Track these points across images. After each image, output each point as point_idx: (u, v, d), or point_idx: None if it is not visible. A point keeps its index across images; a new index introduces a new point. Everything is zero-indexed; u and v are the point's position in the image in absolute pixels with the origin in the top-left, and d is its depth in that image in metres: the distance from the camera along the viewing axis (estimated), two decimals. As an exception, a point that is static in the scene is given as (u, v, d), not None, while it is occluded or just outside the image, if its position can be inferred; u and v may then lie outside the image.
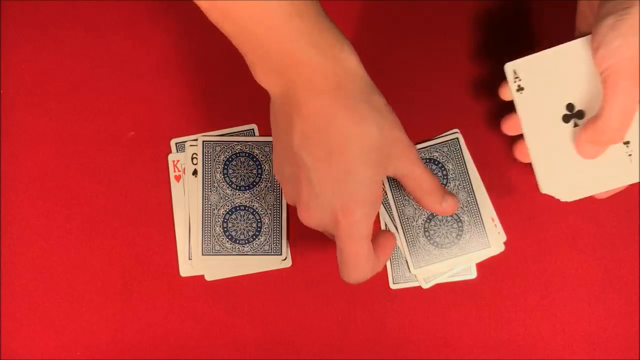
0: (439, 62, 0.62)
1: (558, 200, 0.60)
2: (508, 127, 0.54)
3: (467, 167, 0.60)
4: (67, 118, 0.62)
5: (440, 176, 0.60)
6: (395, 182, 0.60)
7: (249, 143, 0.60)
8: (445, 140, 0.60)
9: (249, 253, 0.60)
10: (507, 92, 0.53)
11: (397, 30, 0.62)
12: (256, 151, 0.60)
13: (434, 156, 0.60)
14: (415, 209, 0.60)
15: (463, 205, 0.60)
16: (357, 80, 0.45)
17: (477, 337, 0.60)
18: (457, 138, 0.60)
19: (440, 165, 0.60)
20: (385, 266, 0.60)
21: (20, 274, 0.61)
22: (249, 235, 0.60)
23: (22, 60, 0.62)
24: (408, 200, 0.60)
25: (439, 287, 0.60)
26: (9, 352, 0.60)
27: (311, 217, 0.47)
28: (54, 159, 0.62)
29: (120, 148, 0.62)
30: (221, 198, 0.60)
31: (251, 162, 0.60)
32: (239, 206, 0.60)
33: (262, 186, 0.60)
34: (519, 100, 0.52)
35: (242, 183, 0.60)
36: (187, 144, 0.61)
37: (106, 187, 0.61)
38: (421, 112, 0.61)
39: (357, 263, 0.48)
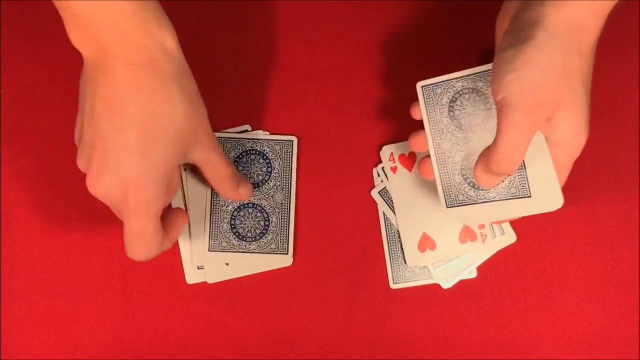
0: (444, 63, 0.62)
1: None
2: (415, 144, 0.55)
3: None
4: (67, 118, 0.62)
5: (483, 109, 0.53)
6: (432, 111, 0.55)
7: (260, 141, 0.60)
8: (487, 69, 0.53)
9: (255, 251, 0.60)
10: (418, 112, 0.55)
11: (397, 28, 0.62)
12: (266, 149, 0.60)
13: (477, 86, 0.53)
14: (453, 143, 0.54)
15: None
16: (172, 61, 0.46)
17: (477, 337, 0.60)
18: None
19: (484, 96, 0.53)
20: (385, 266, 0.60)
21: (20, 274, 0.61)
22: (256, 233, 0.60)
23: (22, 60, 0.62)
24: (445, 134, 0.55)
25: (438, 287, 0.60)
26: (9, 352, 0.60)
27: (100, 186, 0.47)
28: (54, 159, 0.61)
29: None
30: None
31: (261, 160, 0.60)
32: (247, 204, 0.60)
33: (271, 184, 0.60)
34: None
35: (251, 181, 0.60)
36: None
37: (106, 187, 0.61)
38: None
39: (142, 241, 0.48)
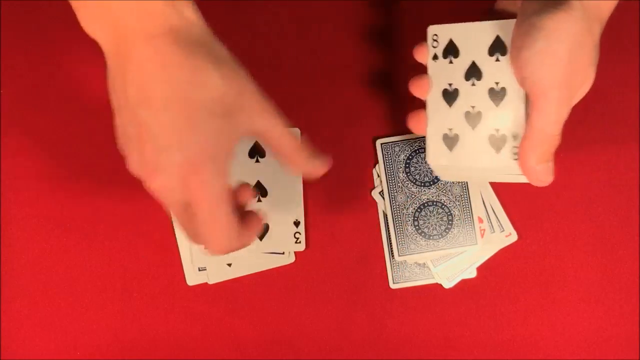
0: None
1: (559, 200, 0.60)
2: (415, 88, 0.50)
3: None
4: (67, 118, 0.62)
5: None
6: (390, 167, 0.60)
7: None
8: None
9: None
10: (422, 54, 0.50)
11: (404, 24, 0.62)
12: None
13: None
14: (407, 197, 0.60)
15: (455, 199, 0.59)
16: (194, 28, 0.42)
17: (477, 337, 0.60)
18: None
19: None
20: (385, 266, 0.60)
21: (20, 274, 0.61)
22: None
23: (22, 60, 0.62)
24: (401, 188, 0.60)
25: (438, 287, 0.60)
26: (9, 352, 0.60)
27: (161, 180, 0.42)
28: (54, 159, 0.62)
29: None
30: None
31: None
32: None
33: None
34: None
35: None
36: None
37: (106, 187, 0.61)
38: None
39: (218, 227, 0.43)
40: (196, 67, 0.42)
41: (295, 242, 0.60)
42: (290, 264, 0.61)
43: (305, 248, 0.61)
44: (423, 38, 0.62)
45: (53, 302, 0.61)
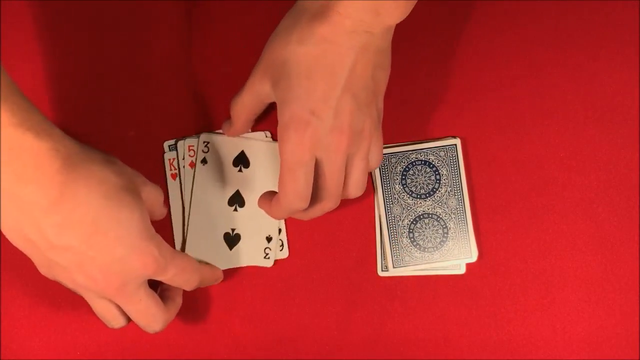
0: (443, 62, 0.62)
1: (559, 200, 0.60)
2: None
3: (461, 175, 0.60)
4: (67, 118, 0.62)
5: (433, 180, 0.60)
6: (386, 178, 0.60)
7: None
8: (443, 144, 0.60)
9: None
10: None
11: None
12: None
13: (429, 159, 0.60)
14: (403, 208, 0.60)
15: (451, 212, 0.60)
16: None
17: (477, 337, 0.60)
18: (456, 145, 0.60)
19: (434, 169, 0.60)
20: (383, 254, 0.60)
21: (20, 274, 0.61)
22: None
23: (22, 60, 0.62)
24: (397, 199, 0.60)
25: (438, 286, 0.60)
26: (9, 352, 0.60)
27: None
28: (54, 159, 0.61)
29: (120, 148, 0.61)
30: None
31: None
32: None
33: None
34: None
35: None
36: (183, 142, 0.61)
37: (106, 187, 0.61)
38: (422, 111, 0.61)
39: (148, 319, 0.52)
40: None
41: (264, 257, 0.60)
42: (290, 263, 0.61)
43: (304, 248, 0.61)
44: (423, 40, 0.62)
45: (53, 302, 0.61)
